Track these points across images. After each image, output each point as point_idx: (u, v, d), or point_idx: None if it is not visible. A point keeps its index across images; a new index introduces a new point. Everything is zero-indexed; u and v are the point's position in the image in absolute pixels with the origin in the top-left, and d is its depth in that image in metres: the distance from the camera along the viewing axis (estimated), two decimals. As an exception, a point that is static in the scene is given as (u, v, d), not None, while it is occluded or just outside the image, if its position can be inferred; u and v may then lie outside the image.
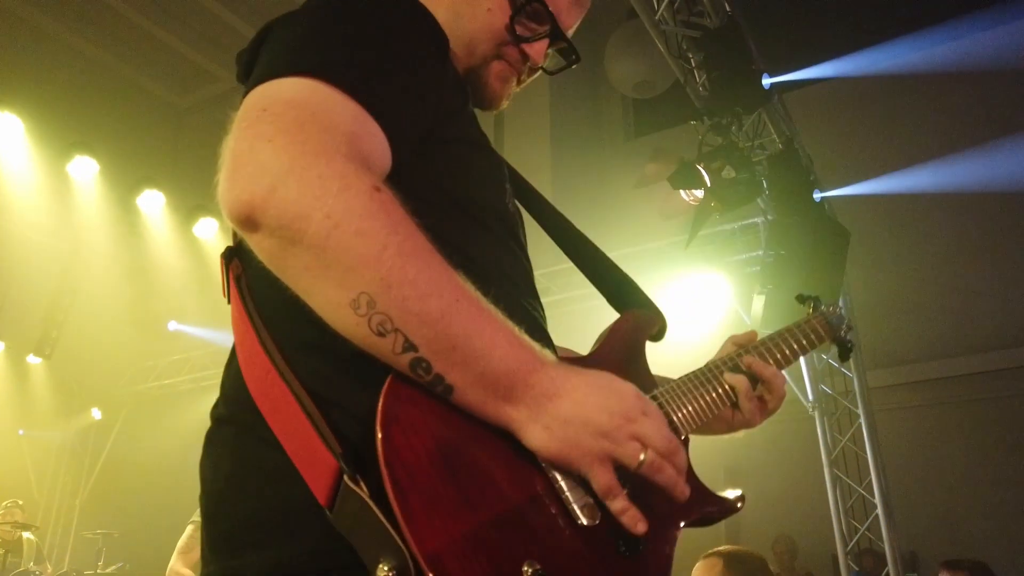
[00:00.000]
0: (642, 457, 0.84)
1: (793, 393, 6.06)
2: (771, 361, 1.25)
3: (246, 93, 0.88)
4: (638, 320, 1.17)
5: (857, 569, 5.34)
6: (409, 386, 0.80)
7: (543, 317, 1.12)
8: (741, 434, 1.25)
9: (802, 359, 5.86)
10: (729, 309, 5.94)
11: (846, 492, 5.60)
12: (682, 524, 0.98)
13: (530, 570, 0.76)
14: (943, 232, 6.95)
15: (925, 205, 6.61)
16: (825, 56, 5.02)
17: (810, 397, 5.88)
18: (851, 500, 5.57)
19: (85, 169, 6.16)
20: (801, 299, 1.45)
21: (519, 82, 1.20)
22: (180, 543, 4.20)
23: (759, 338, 1.29)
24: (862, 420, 5.55)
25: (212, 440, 0.94)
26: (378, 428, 0.76)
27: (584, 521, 0.84)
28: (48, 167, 6.29)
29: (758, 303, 4.88)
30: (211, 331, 8.04)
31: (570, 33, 1.21)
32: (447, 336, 0.79)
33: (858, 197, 5.62)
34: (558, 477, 0.85)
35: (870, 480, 5.40)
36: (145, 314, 7.68)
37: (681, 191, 4.29)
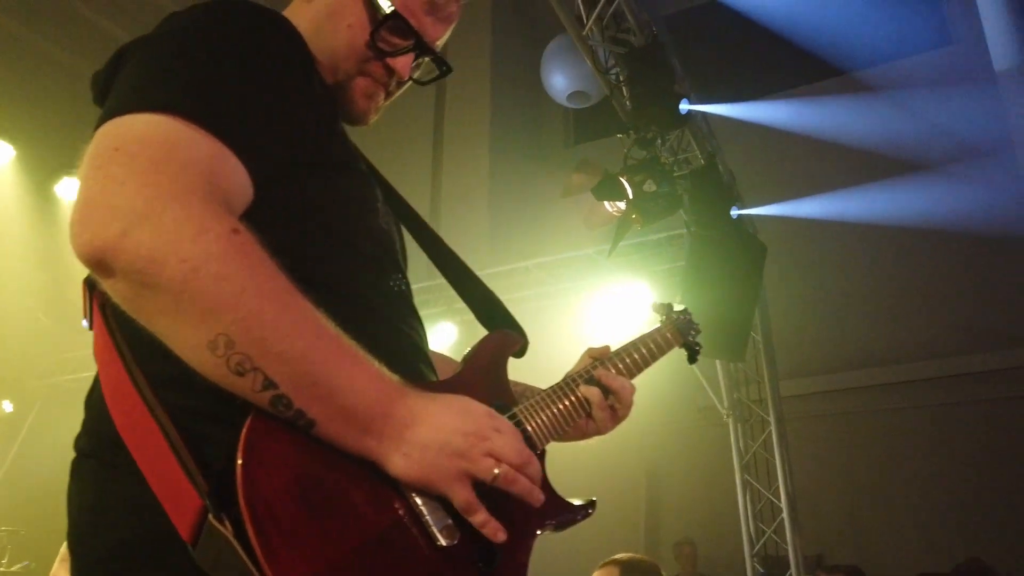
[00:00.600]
0: (496, 472, 0.90)
1: (710, 400, 6.26)
2: (623, 370, 1.34)
3: (98, 125, 0.86)
4: (502, 339, 1.22)
5: (763, 571, 5.55)
6: (271, 421, 0.82)
7: (422, 336, 1.16)
8: (594, 440, 1.34)
9: (719, 368, 6.09)
10: (652, 318, 6.10)
11: (755, 496, 5.82)
12: (538, 532, 1.05)
13: None
14: (854, 251, 7.28)
15: (838, 224, 6.92)
16: (750, 92, 5.22)
17: (725, 404, 6.08)
18: (760, 504, 5.79)
19: (0, 154, 5.94)
20: (656, 307, 1.57)
21: (388, 95, 1.20)
22: (62, 550, 4.12)
23: (619, 348, 1.38)
24: (772, 427, 5.78)
25: (76, 472, 0.94)
26: (238, 466, 0.77)
27: (443, 542, 0.89)
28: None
29: (678, 312, 5.03)
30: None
31: (440, 44, 1.22)
32: (307, 373, 0.82)
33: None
34: (419, 502, 0.89)
35: (778, 485, 5.62)
36: (61, 304, 7.42)
37: (605, 202, 4.41)
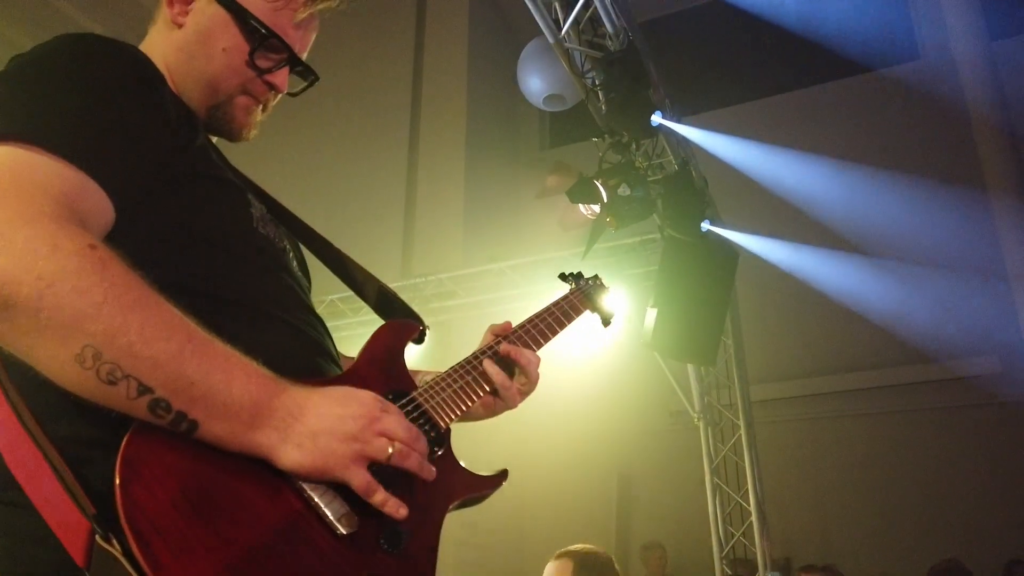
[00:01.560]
0: (390, 450, 0.92)
1: (682, 404, 6.31)
2: (528, 342, 1.35)
3: None
4: (395, 328, 1.24)
5: (731, 573, 5.61)
6: (150, 435, 0.82)
7: (321, 332, 1.17)
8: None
9: (691, 372, 6.15)
10: (626, 320, 6.14)
11: (725, 499, 5.87)
12: (448, 509, 1.07)
13: None
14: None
15: (811, 228, 7.02)
16: (726, 92, 5.28)
17: (696, 408, 6.13)
18: (729, 507, 5.84)
19: None
20: (563, 276, 1.56)
21: (264, 108, 1.24)
22: None
23: (524, 322, 1.39)
24: (742, 431, 5.84)
25: None
26: (116, 485, 0.77)
27: (343, 530, 0.90)
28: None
29: (651, 316, 5.07)
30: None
31: (306, 54, 1.25)
32: (182, 374, 0.82)
33: (749, 215, 5.93)
34: (313, 495, 0.90)
35: (747, 488, 5.68)
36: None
37: (580, 205, 4.43)
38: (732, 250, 5.44)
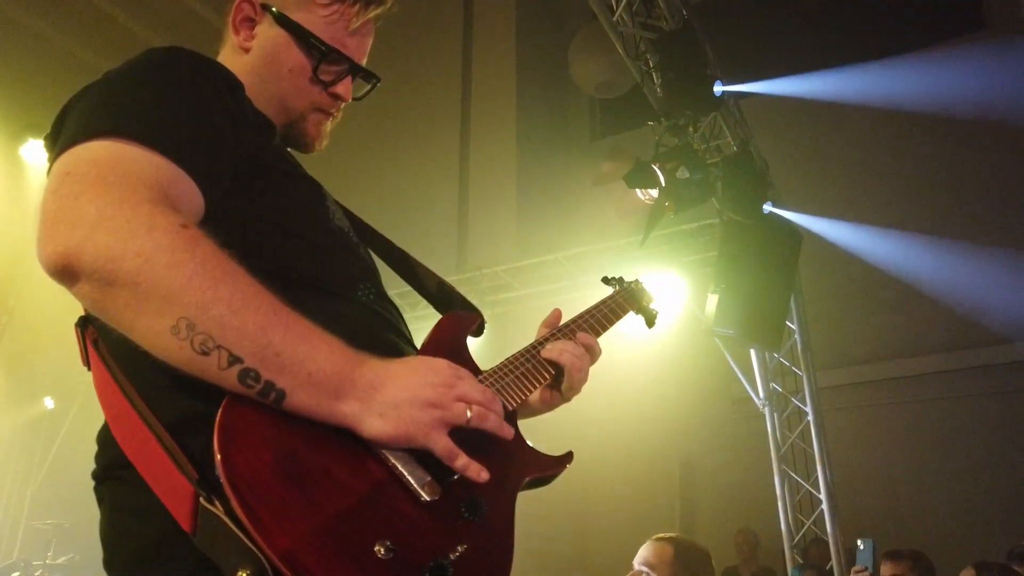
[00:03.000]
0: (469, 413, 0.95)
1: (744, 391, 6.19)
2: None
3: (50, 167, 0.94)
4: (457, 319, 1.29)
5: (802, 561, 5.48)
6: (243, 407, 0.86)
7: (396, 315, 1.22)
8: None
9: (754, 359, 6.02)
10: (685, 308, 6.05)
11: (794, 487, 5.74)
12: (520, 485, 1.09)
13: (382, 549, 0.84)
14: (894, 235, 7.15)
15: (876, 209, 6.80)
16: (783, 70, 5.14)
17: (761, 395, 6.01)
18: (799, 495, 5.71)
19: (38, 153, 6.05)
20: (605, 280, 1.61)
21: (334, 118, 1.30)
22: None
23: (575, 317, 1.42)
24: (810, 418, 5.70)
25: (98, 499, 1.02)
26: (215, 450, 0.82)
27: (426, 497, 0.92)
28: (1, 150, 6.17)
29: (712, 302, 4.99)
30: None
31: (365, 59, 1.30)
32: (270, 345, 0.86)
33: (811, 197, 5.77)
34: (395, 462, 0.93)
35: (817, 476, 5.55)
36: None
37: (637, 190, 4.37)
38: (795, 232, 5.30)
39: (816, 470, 5.58)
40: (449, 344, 1.21)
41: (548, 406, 1.35)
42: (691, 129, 4.46)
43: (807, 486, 5.61)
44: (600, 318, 1.45)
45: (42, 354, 8.52)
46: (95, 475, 1.03)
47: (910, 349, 6.98)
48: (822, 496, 5.45)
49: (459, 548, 0.91)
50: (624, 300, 1.55)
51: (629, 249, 6.26)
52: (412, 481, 0.92)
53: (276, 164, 1.14)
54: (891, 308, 7.09)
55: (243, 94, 1.10)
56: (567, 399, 1.34)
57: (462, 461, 0.94)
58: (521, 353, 1.28)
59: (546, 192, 8.83)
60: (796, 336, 5.89)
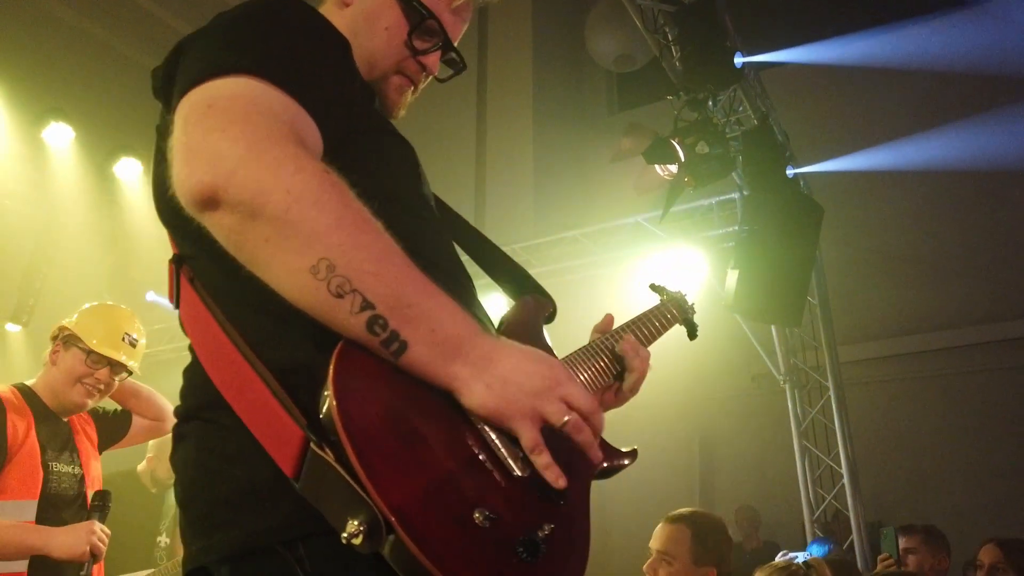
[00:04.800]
0: (566, 418, 0.93)
1: (764, 367, 6.17)
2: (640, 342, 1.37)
3: (181, 96, 0.94)
4: (537, 304, 1.28)
5: (822, 536, 5.49)
6: (356, 358, 0.86)
7: (474, 291, 1.22)
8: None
9: (774, 334, 5.99)
10: (705, 284, 6.01)
11: (814, 462, 5.74)
12: (594, 474, 1.09)
13: (480, 516, 0.84)
14: (915, 208, 7.05)
15: (898, 181, 6.70)
16: (802, 38, 5.04)
17: (782, 370, 5.99)
18: (819, 470, 5.71)
19: (61, 136, 6.10)
20: (653, 287, 1.62)
21: (415, 90, 1.30)
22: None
23: (629, 322, 1.42)
24: (831, 393, 5.67)
25: (179, 436, 1.02)
26: (332, 397, 0.81)
27: (518, 472, 0.92)
28: (23, 134, 6.22)
29: (732, 278, 4.95)
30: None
31: (456, 43, 1.31)
32: (402, 295, 0.87)
33: (832, 174, 5.69)
34: (492, 435, 0.92)
35: (838, 451, 5.54)
36: (124, 283, 7.64)
37: (656, 166, 4.33)
38: (816, 206, 5.24)
39: (837, 445, 5.56)
40: (530, 328, 1.21)
41: (605, 407, 1.32)
42: (710, 103, 4.40)
43: (828, 460, 5.60)
44: (652, 329, 1.44)
45: (68, 334, 8.64)
46: (180, 413, 1.03)
47: (933, 323, 6.91)
48: (843, 471, 5.44)
49: (547, 528, 0.91)
50: (675, 308, 1.54)
51: (648, 225, 6.23)
52: (506, 454, 0.92)
53: (379, 123, 1.16)
54: (914, 281, 7.01)
55: (351, 52, 1.11)
56: (620, 404, 1.33)
57: (545, 459, 0.92)
58: (589, 349, 1.27)
59: (563, 168, 8.77)
60: (817, 311, 5.84)
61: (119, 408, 2.96)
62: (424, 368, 0.88)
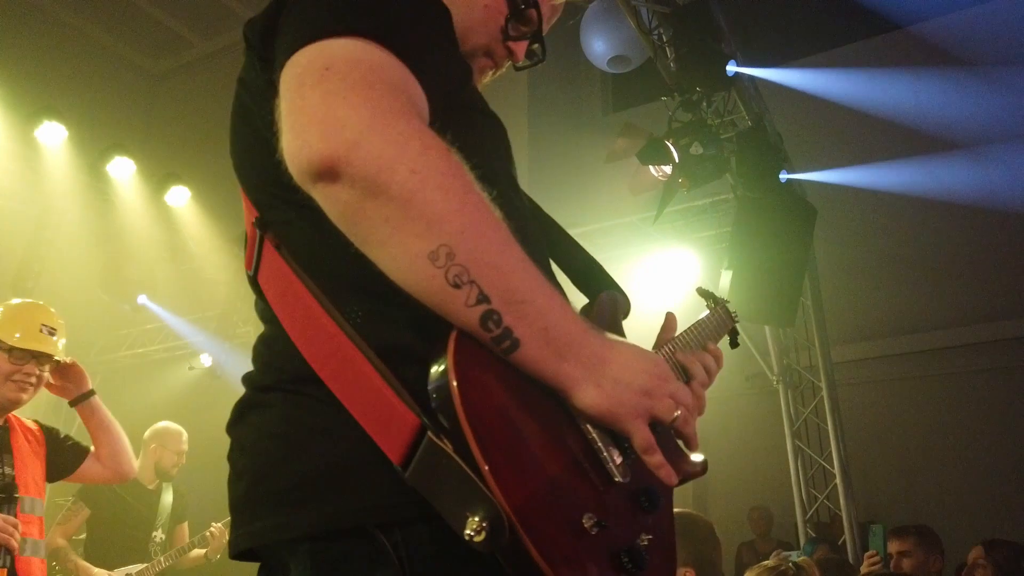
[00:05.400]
0: (677, 413, 0.91)
1: (758, 367, 6.19)
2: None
3: (289, 53, 0.87)
4: (616, 300, 1.25)
5: (815, 536, 5.51)
6: (472, 348, 0.82)
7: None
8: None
9: (768, 334, 6.00)
10: (698, 285, 6.02)
11: (807, 462, 5.76)
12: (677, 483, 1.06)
13: (590, 522, 0.81)
14: (908, 209, 7.08)
15: (895, 180, 6.72)
16: (800, 45, 5.07)
17: (775, 370, 6.00)
18: (812, 470, 5.73)
19: (54, 134, 6.07)
20: (701, 292, 1.56)
21: (493, 74, 1.26)
22: (60, 515, 4.34)
23: (689, 328, 1.35)
24: (824, 393, 5.69)
25: (254, 405, 0.95)
26: (454, 386, 0.78)
27: (619, 478, 0.89)
28: (15, 132, 6.19)
29: (725, 278, 4.97)
30: (177, 317, 8.02)
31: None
32: (518, 290, 0.82)
33: (825, 174, 5.71)
34: (596, 438, 0.89)
35: (830, 451, 5.56)
36: (117, 282, 7.61)
37: (650, 166, 4.34)
38: (810, 207, 5.26)
39: (830, 445, 5.58)
40: (612, 327, 1.16)
41: None
42: (705, 104, 4.42)
43: (820, 460, 5.62)
44: (711, 337, 1.38)
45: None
46: (255, 382, 0.96)
47: (926, 323, 6.95)
48: (835, 471, 5.46)
49: (645, 537, 0.88)
50: (725, 316, 1.49)
51: (642, 225, 6.24)
52: (608, 458, 0.89)
53: (474, 99, 1.10)
54: (907, 282, 7.05)
55: (453, 23, 1.05)
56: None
57: (658, 459, 0.89)
58: (665, 354, 1.22)
59: (558, 168, 8.78)
60: (810, 311, 5.86)
61: (78, 443, 2.99)
62: (534, 366, 0.84)
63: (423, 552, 0.81)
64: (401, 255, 0.80)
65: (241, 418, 0.96)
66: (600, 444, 0.89)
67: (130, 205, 6.88)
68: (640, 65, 6.73)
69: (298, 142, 0.80)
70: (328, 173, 0.79)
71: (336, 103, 0.80)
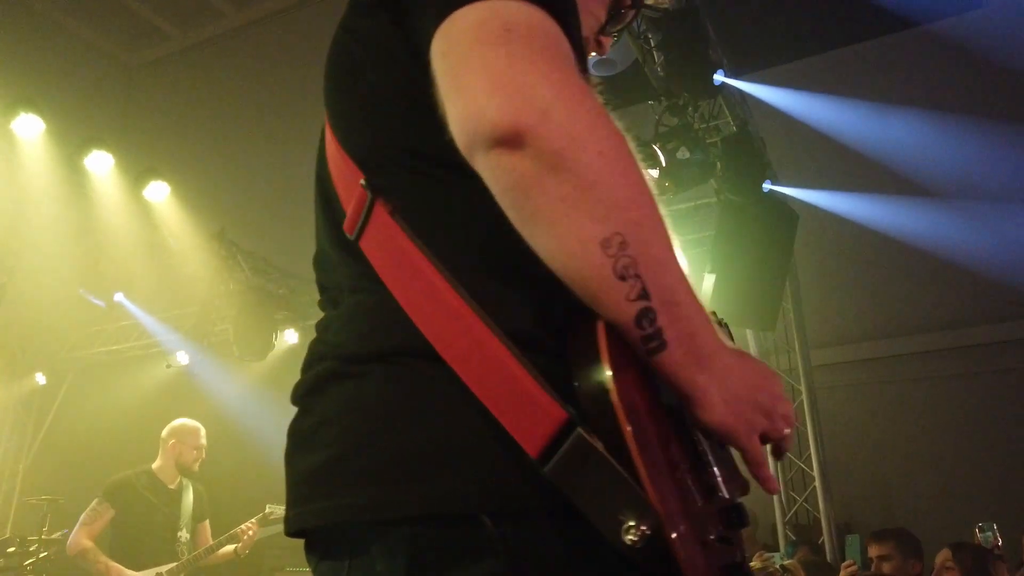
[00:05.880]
0: (786, 432, 0.88)
1: (740, 370, 6.22)
2: None
3: (451, 7, 0.80)
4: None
5: (795, 538, 5.57)
6: (617, 339, 0.77)
7: None
8: None
9: (749, 338, 6.06)
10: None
11: (786, 465, 5.81)
12: None
13: (713, 536, 0.79)
14: (886, 218, 7.17)
15: (876, 186, 6.81)
16: (788, 51, 5.12)
17: (755, 374, 6.05)
18: (791, 473, 5.78)
19: (30, 127, 5.96)
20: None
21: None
22: (84, 516, 4.29)
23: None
24: (804, 396, 5.75)
25: (341, 375, 0.87)
26: (613, 383, 0.74)
27: (725, 493, 0.86)
28: (-9, 124, 6.07)
29: (708, 282, 5.00)
30: (151, 317, 7.92)
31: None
32: (675, 291, 0.78)
33: (807, 179, 5.77)
34: (706, 450, 0.86)
35: (810, 454, 5.62)
36: (93, 277, 7.50)
37: (637, 170, 4.34)
38: (792, 212, 5.31)
39: (809, 448, 5.65)
40: None
41: None
42: (691, 109, 4.44)
43: (800, 463, 5.68)
44: None
45: (33, 330, 8.47)
46: (347, 353, 0.87)
47: (904, 328, 7.04)
48: (815, 473, 5.52)
49: (739, 555, 0.85)
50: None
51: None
52: (718, 473, 0.85)
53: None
54: (886, 287, 7.14)
55: None
56: None
57: (766, 472, 0.87)
58: None
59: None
60: (791, 315, 5.92)
61: None
62: (671, 370, 0.79)
63: (539, 548, 0.76)
64: (570, 237, 0.74)
65: (321, 388, 0.88)
66: (710, 456, 0.86)
67: (108, 200, 6.77)
68: (626, 69, 6.76)
69: (478, 104, 0.74)
70: (512, 140, 0.73)
71: (524, 68, 0.74)
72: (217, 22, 10.27)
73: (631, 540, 0.69)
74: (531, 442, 0.74)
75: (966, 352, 6.83)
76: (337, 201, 0.94)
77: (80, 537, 4.19)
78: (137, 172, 6.84)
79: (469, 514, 0.76)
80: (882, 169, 6.66)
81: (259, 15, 10.17)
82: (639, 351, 0.78)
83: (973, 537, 3.89)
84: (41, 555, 6.01)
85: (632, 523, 0.69)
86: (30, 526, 7.53)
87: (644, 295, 0.75)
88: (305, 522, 0.85)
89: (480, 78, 0.75)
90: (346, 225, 0.90)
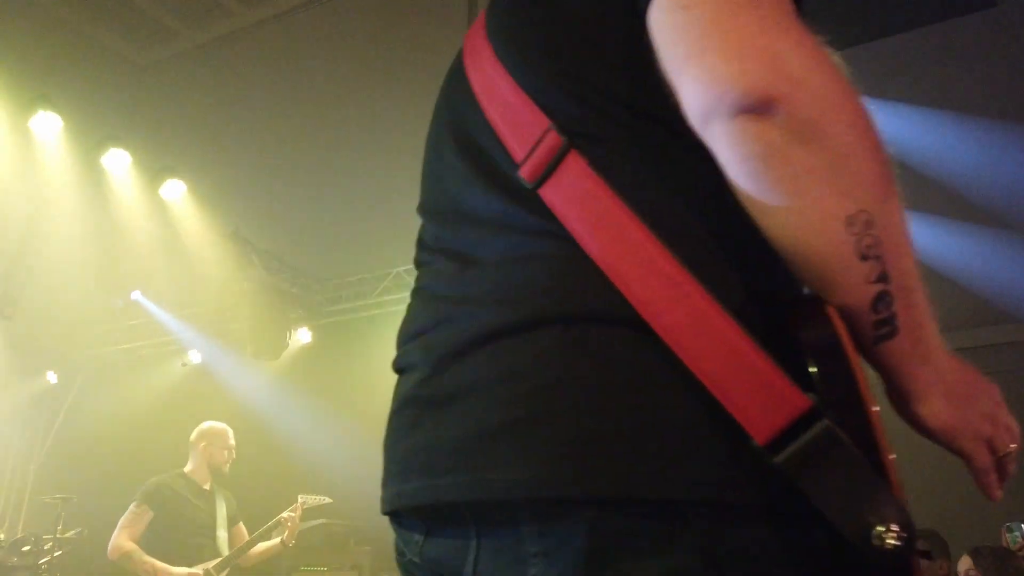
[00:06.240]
0: (1013, 446, 0.84)
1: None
2: None
3: None
4: None
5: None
6: (843, 325, 0.74)
7: None
8: None
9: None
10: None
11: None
12: None
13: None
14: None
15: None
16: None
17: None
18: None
19: (48, 125, 5.96)
20: None
21: None
22: (123, 519, 4.30)
23: None
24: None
25: (501, 335, 0.78)
26: (857, 371, 0.70)
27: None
28: (9, 122, 6.07)
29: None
30: (168, 314, 7.94)
31: None
32: (912, 276, 0.75)
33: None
34: None
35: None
36: (112, 275, 7.50)
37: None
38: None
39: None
40: None
41: None
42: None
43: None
44: None
45: (47, 327, 8.47)
46: (506, 314, 0.78)
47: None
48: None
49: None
50: None
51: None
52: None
53: None
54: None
55: None
56: None
57: (993, 478, 0.84)
58: None
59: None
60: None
61: None
62: (893, 360, 0.76)
63: (741, 544, 0.70)
64: (813, 211, 0.71)
65: (464, 351, 0.79)
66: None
67: (125, 198, 6.78)
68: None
69: (732, 67, 0.70)
70: (763, 107, 0.69)
71: (777, 35, 0.70)
72: (227, 21, 10.28)
73: (891, 544, 0.65)
74: (761, 429, 0.68)
75: (972, 353, 6.82)
76: (498, 144, 0.86)
77: (122, 540, 4.21)
78: (154, 170, 6.85)
79: (665, 500, 0.70)
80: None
81: (269, 13, 10.18)
82: (865, 337, 0.74)
83: (1000, 538, 3.88)
84: (56, 554, 6.01)
85: (885, 527, 0.66)
86: (42, 524, 7.54)
87: (883, 278, 0.72)
88: (435, 496, 0.77)
89: (730, 40, 0.71)
90: (525, 171, 0.82)
